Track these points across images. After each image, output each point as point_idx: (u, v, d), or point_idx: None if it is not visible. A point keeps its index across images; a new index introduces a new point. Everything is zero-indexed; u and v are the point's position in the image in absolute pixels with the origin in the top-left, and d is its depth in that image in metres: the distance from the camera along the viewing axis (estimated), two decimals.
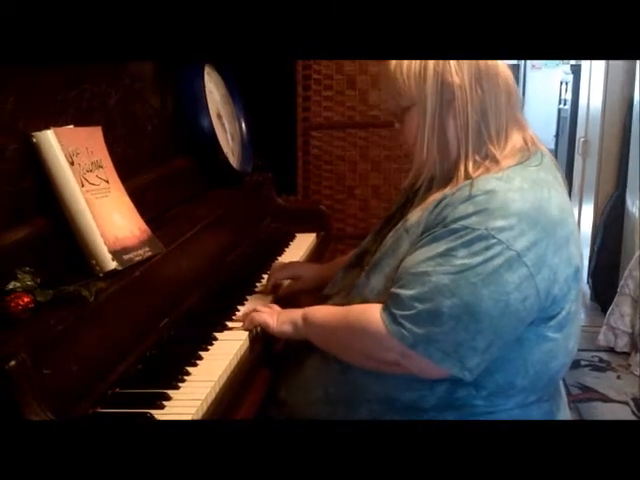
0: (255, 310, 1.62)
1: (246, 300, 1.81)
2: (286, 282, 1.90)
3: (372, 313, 1.36)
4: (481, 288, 1.28)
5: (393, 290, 1.34)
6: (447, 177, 1.41)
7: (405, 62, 1.39)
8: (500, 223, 1.29)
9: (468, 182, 1.35)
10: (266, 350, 1.61)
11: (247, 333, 1.58)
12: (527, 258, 1.29)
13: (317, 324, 1.48)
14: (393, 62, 1.41)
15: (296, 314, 1.54)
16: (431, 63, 1.37)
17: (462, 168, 1.38)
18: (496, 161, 1.38)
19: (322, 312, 1.50)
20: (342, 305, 1.49)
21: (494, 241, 1.28)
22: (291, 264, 1.98)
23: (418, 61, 1.37)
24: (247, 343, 1.56)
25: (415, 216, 1.40)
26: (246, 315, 1.63)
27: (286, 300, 1.80)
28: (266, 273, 1.94)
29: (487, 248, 1.28)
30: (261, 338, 1.60)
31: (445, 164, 1.41)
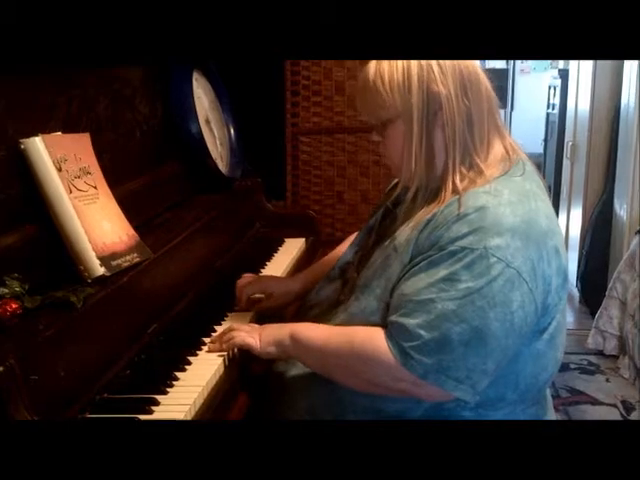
0: (232, 329, 1.53)
1: (235, 306, 1.80)
2: (260, 296, 1.80)
3: (379, 341, 1.32)
4: (488, 311, 1.26)
5: (396, 319, 1.31)
6: (433, 189, 1.38)
7: (386, 73, 1.35)
8: (497, 241, 1.27)
9: (456, 198, 1.33)
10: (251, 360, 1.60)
11: None
12: (525, 274, 1.27)
13: (311, 346, 1.42)
14: (372, 74, 1.38)
15: (282, 333, 1.46)
16: (414, 73, 1.34)
17: (449, 181, 1.36)
18: (480, 172, 1.36)
19: (314, 332, 1.43)
20: (326, 319, 1.47)
21: (494, 260, 1.26)
22: (260, 278, 1.88)
23: (400, 71, 1.34)
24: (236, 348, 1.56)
25: (404, 234, 1.37)
26: (222, 335, 1.54)
27: (268, 316, 1.75)
28: None
29: (489, 267, 1.26)
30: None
31: (432, 176, 1.38)
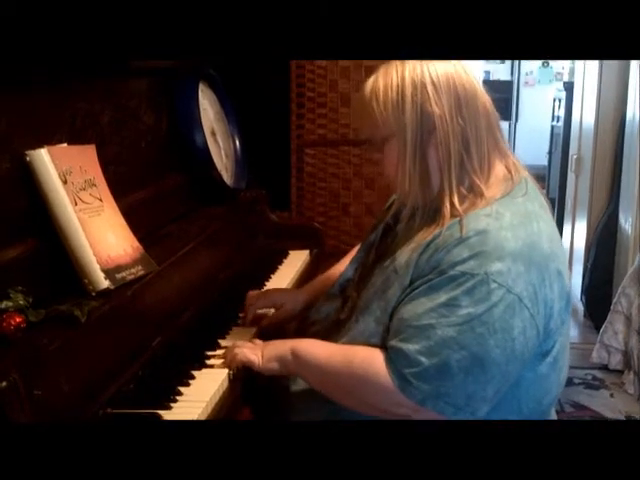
0: (236, 346, 1.52)
1: (239, 319, 1.79)
2: (266, 311, 1.80)
3: (379, 365, 1.31)
4: (488, 337, 1.24)
5: (395, 344, 1.30)
6: (432, 209, 1.37)
7: (381, 92, 1.35)
8: (498, 266, 1.25)
9: (456, 220, 1.32)
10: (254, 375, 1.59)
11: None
12: (527, 300, 1.26)
13: (312, 364, 1.41)
14: (368, 92, 1.37)
15: (283, 349, 1.45)
16: (409, 93, 1.33)
17: (447, 202, 1.34)
18: (481, 194, 1.34)
19: (316, 350, 1.42)
20: (327, 337, 1.46)
21: (495, 285, 1.25)
22: (268, 292, 1.86)
23: (394, 91, 1.33)
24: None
25: (404, 256, 1.36)
26: (227, 352, 1.53)
27: (271, 331, 1.74)
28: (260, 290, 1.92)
29: (489, 293, 1.24)
30: None
31: (428, 195, 1.37)
